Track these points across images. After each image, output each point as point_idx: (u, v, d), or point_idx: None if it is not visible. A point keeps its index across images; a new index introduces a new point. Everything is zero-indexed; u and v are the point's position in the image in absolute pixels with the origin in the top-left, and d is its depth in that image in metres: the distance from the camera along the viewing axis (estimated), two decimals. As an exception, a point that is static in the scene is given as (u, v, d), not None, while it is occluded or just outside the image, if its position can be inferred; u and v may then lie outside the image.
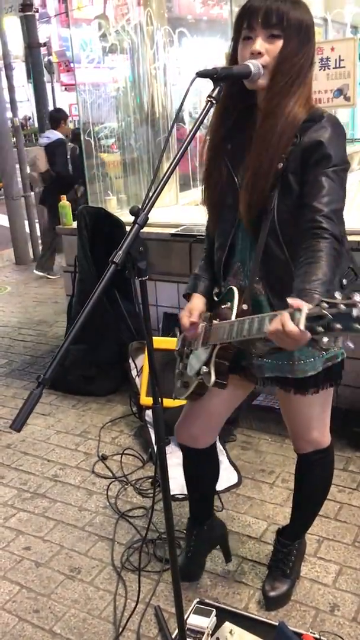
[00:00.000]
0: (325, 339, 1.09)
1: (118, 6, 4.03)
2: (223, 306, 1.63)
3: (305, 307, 1.12)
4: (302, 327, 1.11)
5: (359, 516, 2.37)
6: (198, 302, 1.76)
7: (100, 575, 2.19)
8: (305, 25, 1.47)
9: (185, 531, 2.17)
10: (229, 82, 1.46)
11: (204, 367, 1.66)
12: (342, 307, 1.06)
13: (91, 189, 4.05)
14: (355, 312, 1.04)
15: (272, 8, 1.43)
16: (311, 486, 1.96)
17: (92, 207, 3.79)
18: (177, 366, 1.89)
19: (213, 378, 1.62)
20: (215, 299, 1.75)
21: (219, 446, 2.81)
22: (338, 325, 1.06)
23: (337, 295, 1.09)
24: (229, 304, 1.62)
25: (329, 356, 1.65)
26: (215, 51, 4.12)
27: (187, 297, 1.81)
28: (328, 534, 2.29)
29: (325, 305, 1.09)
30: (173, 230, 3.35)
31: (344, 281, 1.56)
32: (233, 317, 1.56)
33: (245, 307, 1.58)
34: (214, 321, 1.63)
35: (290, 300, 1.16)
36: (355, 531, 2.29)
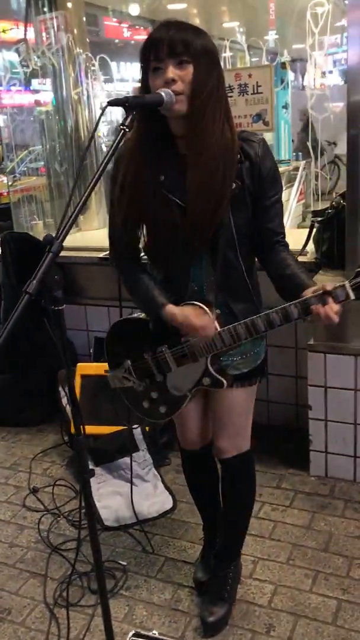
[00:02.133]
0: None
1: (40, 31, 4.01)
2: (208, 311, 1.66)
3: (347, 283, 1.43)
4: (352, 296, 1.43)
5: (292, 534, 2.39)
6: (186, 307, 1.66)
7: (32, 614, 2.11)
8: (210, 50, 1.53)
9: (203, 543, 2.22)
10: (142, 112, 1.48)
11: (206, 378, 1.71)
12: None
13: (15, 213, 3.98)
14: None
15: (176, 38, 1.47)
16: (239, 494, 1.98)
17: (17, 232, 3.72)
18: (139, 397, 1.84)
19: (225, 383, 1.70)
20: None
21: (153, 471, 2.78)
22: None
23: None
24: (209, 306, 1.65)
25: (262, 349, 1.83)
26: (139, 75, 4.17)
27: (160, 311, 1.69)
28: (263, 554, 2.29)
29: None
30: (102, 254, 3.33)
31: None
32: (217, 325, 1.62)
33: (218, 311, 1.66)
34: (190, 338, 1.66)
35: (323, 285, 1.45)
36: (289, 549, 2.31)
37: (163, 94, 1.47)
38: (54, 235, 1.29)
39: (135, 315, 1.85)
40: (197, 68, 1.50)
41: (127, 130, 1.40)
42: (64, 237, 1.29)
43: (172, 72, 1.48)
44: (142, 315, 1.79)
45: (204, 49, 1.50)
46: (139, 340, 1.78)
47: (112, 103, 1.41)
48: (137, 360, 1.79)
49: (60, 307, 1.30)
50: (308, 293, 1.49)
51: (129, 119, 1.41)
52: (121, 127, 1.40)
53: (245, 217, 1.63)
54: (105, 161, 1.36)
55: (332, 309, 1.44)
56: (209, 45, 1.54)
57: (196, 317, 1.62)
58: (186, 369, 1.71)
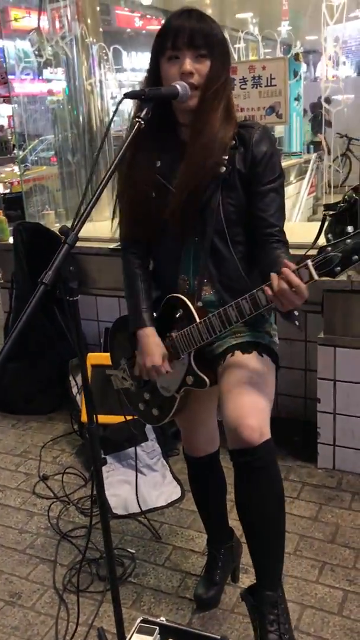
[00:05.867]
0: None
1: (55, 19, 4.01)
2: (177, 315, 1.66)
3: (310, 262, 1.31)
4: (316, 277, 1.31)
5: (299, 525, 2.41)
6: (157, 340, 1.69)
7: (41, 599, 2.14)
8: (224, 43, 1.53)
9: (207, 557, 2.11)
10: (156, 103, 1.48)
11: (189, 377, 1.66)
12: (348, 241, 1.29)
13: (28, 203, 4.00)
14: None
15: (197, 29, 1.47)
16: (271, 494, 1.59)
17: (29, 222, 3.74)
18: (134, 398, 1.86)
19: (208, 381, 1.64)
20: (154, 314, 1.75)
21: (162, 460, 2.81)
22: (356, 257, 1.29)
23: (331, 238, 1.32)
24: (180, 311, 1.65)
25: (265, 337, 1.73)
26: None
27: (138, 330, 1.71)
28: (270, 544, 2.31)
29: (329, 249, 1.30)
30: (113, 245, 3.34)
31: None
32: (197, 318, 1.59)
33: (200, 304, 1.63)
34: (173, 333, 1.66)
35: (285, 266, 1.34)
36: (296, 540, 2.33)
37: (179, 87, 1.48)
38: (68, 226, 1.31)
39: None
40: (214, 63, 1.50)
41: (142, 122, 1.40)
42: (80, 229, 1.30)
43: (189, 64, 1.49)
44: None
45: (221, 43, 1.51)
46: (131, 338, 1.78)
47: (129, 95, 1.42)
48: (130, 358, 1.80)
49: (75, 298, 1.31)
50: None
51: (144, 111, 1.41)
52: (137, 119, 1.41)
53: (236, 204, 1.57)
54: (120, 153, 1.37)
55: (297, 285, 1.32)
56: (223, 37, 1.54)
57: (158, 358, 1.65)
58: (173, 366, 1.69)
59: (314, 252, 2.86)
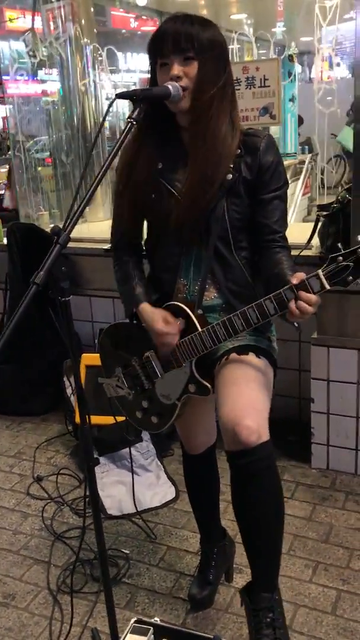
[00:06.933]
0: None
1: (50, 20, 4.01)
2: (177, 322, 1.64)
3: (320, 271, 1.33)
4: (327, 286, 1.33)
5: (293, 525, 2.41)
6: (155, 309, 1.65)
7: (35, 600, 2.14)
8: (217, 43, 1.52)
9: (200, 557, 2.11)
10: (149, 104, 1.49)
11: (192, 385, 1.65)
12: None
13: (22, 203, 3.99)
14: None
15: (181, 32, 1.47)
16: (270, 496, 1.56)
17: (23, 223, 3.74)
18: (131, 406, 1.84)
19: (211, 388, 1.63)
20: None
21: (156, 461, 2.81)
22: None
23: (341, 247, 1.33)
24: (180, 319, 1.64)
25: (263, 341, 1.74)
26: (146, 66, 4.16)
27: (134, 309, 1.69)
28: (264, 544, 2.31)
29: (340, 259, 1.30)
30: (106, 246, 3.34)
31: None
32: (198, 327, 1.59)
33: (200, 311, 1.63)
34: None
35: (294, 277, 1.37)
36: (290, 540, 2.33)
37: (170, 87, 1.48)
38: (60, 226, 1.31)
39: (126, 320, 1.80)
40: (203, 63, 1.50)
41: (135, 123, 1.41)
42: (72, 229, 1.30)
43: (177, 69, 1.49)
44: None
45: (210, 43, 1.50)
46: (128, 346, 1.77)
47: (121, 96, 1.42)
48: (127, 367, 1.78)
49: (67, 298, 1.31)
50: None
51: (136, 112, 1.42)
52: (129, 120, 1.41)
53: (240, 211, 1.59)
54: (112, 153, 1.38)
55: (309, 300, 1.35)
56: (217, 38, 1.53)
57: (159, 323, 1.61)
58: (173, 375, 1.68)
59: (307, 252, 2.87)
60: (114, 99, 1.42)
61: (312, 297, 1.35)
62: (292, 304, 1.37)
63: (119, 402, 1.88)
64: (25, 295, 1.21)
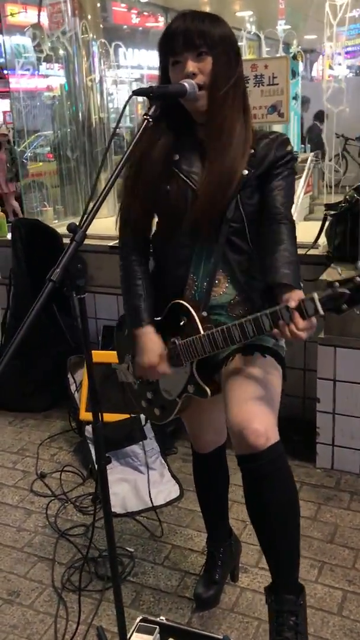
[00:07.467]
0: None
1: (53, 14, 3.99)
2: (181, 322, 1.63)
3: (316, 295, 1.28)
4: (321, 312, 1.29)
5: (298, 524, 2.41)
6: (155, 338, 1.67)
7: (40, 597, 2.13)
8: (228, 38, 1.51)
9: (206, 556, 2.10)
10: (165, 101, 1.48)
11: (191, 385, 1.64)
12: (358, 279, 1.25)
13: (27, 199, 3.98)
14: None
15: (192, 29, 1.46)
16: (284, 499, 1.54)
17: (27, 219, 3.72)
18: (137, 394, 1.85)
19: (209, 392, 1.62)
20: (157, 318, 1.72)
21: (160, 459, 2.80)
22: None
23: (339, 270, 1.29)
24: (185, 319, 1.62)
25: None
26: (151, 62, 4.15)
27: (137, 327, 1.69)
28: (269, 544, 2.31)
29: (337, 284, 1.26)
30: (111, 243, 3.33)
31: None
32: (200, 329, 1.57)
33: (204, 314, 1.61)
34: (176, 340, 1.64)
35: (290, 297, 1.35)
36: (295, 539, 2.33)
37: (186, 84, 1.47)
38: (76, 224, 1.30)
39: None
40: (217, 59, 1.49)
41: (150, 120, 1.40)
42: (88, 227, 1.30)
43: (191, 65, 1.48)
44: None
45: (222, 39, 1.49)
46: None
47: (137, 93, 1.41)
48: (134, 356, 1.77)
49: (83, 296, 1.30)
50: (283, 301, 1.39)
51: (152, 109, 1.41)
52: (145, 116, 1.40)
53: (254, 202, 1.58)
54: (128, 151, 1.37)
55: (298, 325, 1.32)
56: (228, 34, 1.52)
57: (146, 356, 1.64)
58: (176, 372, 1.67)
59: (314, 251, 2.86)
60: (130, 96, 1.41)
61: (301, 323, 1.32)
62: (283, 325, 1.35)
63: (129, 389, 1.90)
64: (41, 293, 1.21)
